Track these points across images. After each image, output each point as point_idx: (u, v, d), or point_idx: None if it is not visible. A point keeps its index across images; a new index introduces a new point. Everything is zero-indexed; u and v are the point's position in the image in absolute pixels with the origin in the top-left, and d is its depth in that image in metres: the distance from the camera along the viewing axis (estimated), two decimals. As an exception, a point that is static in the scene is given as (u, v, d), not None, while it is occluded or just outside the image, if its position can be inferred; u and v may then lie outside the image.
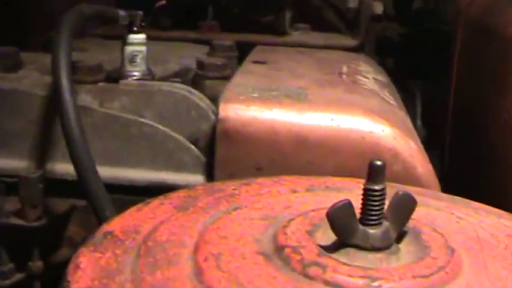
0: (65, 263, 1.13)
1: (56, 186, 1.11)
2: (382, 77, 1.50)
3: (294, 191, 0.87)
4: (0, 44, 1.35)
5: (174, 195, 0.86)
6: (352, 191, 0.85)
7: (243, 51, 1.52)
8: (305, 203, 0.82)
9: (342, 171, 1.03)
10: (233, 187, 0.88)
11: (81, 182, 0.93)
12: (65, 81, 0.97)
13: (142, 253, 0.68)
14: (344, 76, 1.33)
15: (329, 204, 0.69)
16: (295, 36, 1.82)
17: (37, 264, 1.09)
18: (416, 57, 2.61)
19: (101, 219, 0.92)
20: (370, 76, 1.40)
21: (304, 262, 0.64)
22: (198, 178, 1.10)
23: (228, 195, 0.84)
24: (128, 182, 1.11)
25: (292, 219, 0.73)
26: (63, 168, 1.13)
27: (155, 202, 0.84)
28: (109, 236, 0.74)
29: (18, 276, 1.10)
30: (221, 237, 0.70)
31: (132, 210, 0.82)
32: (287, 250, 0.66)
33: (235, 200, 0.83)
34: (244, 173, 1.04)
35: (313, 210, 0.76)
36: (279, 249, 0.67)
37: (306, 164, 1.04)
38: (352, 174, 0.98)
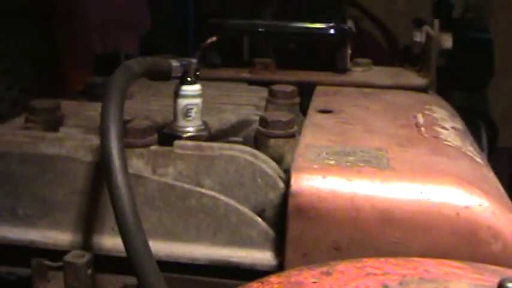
0: None
1: (104, 262, 1.01)
2: (458, 123, 1.38)
3: (385, 286, 0.75)
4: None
5: (245, 293, 0.75)
6: (450, 283, 0.74)
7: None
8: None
9: (432, 251, 0.92)
10: (313, 279, 0.77)
11: (132, 262, 0.82)
12: (115, 152, 0.86)
13: None
14: (423, 129, 1.21)
15: None
16: (357, 73, 1.70)
17: None
18: (458, 67, 2.51)
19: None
20: (448, 126, 1.28)
21: None
22: (266, 255, 1.00)
23: (311, 295, 0.73)
24: (186, 260, 1.01)
25: None
26: (112, 243, 1.03)
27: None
28: None
29: None
30: None
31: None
32: None
33: (320, 302, 0.72)
34: (320, 253, 0.94)
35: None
36: None
37: (391, 243, 0.93)
38: (443, 254, 0.89)
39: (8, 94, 1.90)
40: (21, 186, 1.07)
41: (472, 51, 3.40)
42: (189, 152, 1.05)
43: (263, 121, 1.14)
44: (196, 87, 1.16)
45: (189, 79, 1.15)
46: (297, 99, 1.38)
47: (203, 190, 1.00)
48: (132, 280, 1.03)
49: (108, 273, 1.05)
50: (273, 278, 0.80)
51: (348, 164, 1.00)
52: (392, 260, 0.83)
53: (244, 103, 1.39)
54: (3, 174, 1.07)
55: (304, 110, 1.36)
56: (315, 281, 0.77)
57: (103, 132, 0.87)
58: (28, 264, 1.06)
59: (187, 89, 1.15)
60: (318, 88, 1.57)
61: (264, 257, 1.00)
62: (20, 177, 1.06)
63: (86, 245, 1.03)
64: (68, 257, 0.94)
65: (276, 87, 1.38)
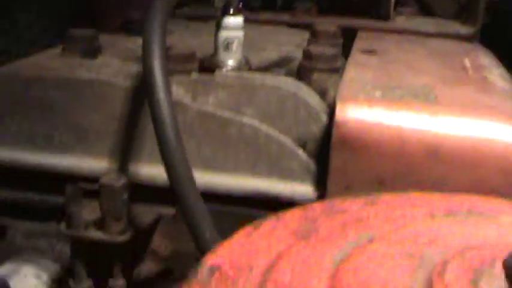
0: (148, 280, 1.04)
1: (140, 191, 0.99)
2: (504, 71, 1.35)
3: (432, 216, 0.73)
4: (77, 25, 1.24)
5: (288, 216, 0.73)
6: (499, 218, 0.72)
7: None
8: (451, 234, 0.68)
9: (479, 187, 0.90)
10: (356, 207, 0.75)
11: (176, 194, 0.80)
12: (158, 72, 0.84)
13: (262, 300, 0.55)
14: (470, 72, 1.18)
15: (481, 237, 0.63)
16: (401, 21, 1.66)
17: (119, 282, 0.97)
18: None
19: (200, 243, 0.79)
20: (495, 71, 1.25)
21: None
22: (307, 188, 0.98)
23: (354, 220, 0.71)
24: (223, 191, 0.99)
25: (447, 262, 0.59)
26: (149, 172, 1.02)
27: (267, 225, 0.71)
28: (217, 273, 0.61)
29: (98, 296, 0.99)
30: (360, 284, 0.57)
31: (240, 236, 0.69)
32: (451, 307, 0.52)
33: (365, 227, 0.70)
34: (363, 186, 0.92)
35: (469, 249, 0.62)
36: (441, 305, 0.53)
37: (436, 178, 0.91)
38: (491, 191, 0.87)
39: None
40: (57, 112, 1.05)
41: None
42: (231, 81, 1.02)
43: (307, 55, 1.11)
44: (238, 19, 1.13)
45: (231, 10, 1.12)
46: (340, 40, 1.34)
47: (244, 119, 0.98)
48: (167, 211, 1.02)
49: (143, 203, 1.03)
50: (316, 205, 0.78)
51: (395, 97, 0.97)
52: (438, 194, 0.81)
53: (286, 43, 1.36)
54: (39, 100, 1.05)
55: (346, 55, 1.33)
56: (359, 209, 0.75)
57: (145, 49, 0.85)
58: (62, 193, 1.04)
59: (229, 20, 1.13)
60: (360, 33, 1.53)
61: (304, 190, 0.98)
62: (56, 103, 1.05)
63: (122, 172, 1.02)
64: (104, 179, 0.92)
65: (318, 27, 1.35)
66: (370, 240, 0.66)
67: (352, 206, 0.76)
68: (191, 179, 0.81)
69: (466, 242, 0.65)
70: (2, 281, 0.79)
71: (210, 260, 0.64)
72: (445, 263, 0.59)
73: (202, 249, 0.79)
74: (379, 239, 0.67)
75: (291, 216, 0.74)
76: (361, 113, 0.93)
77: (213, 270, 0.62)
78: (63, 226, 0.95)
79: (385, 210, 0.75)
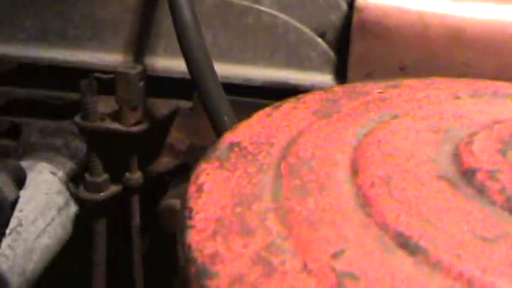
0: (165, 174, 1.03)
1: (156, 84, 0.98)
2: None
3: (457, 97, 0.71)
4: None
5: (308, 98, 0.72)
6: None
7: None
8: (478, 112, 0.67)
9: (504, 74, 0.88)
10: (379, 89, 0.74)
11: (195, 80, 0.78)
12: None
13: (283, 172, 0.54)
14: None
15: (507, 114, 0.62)
16: None
17: (135, 176, 0.97)
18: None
19: (218, 126, 0.78)
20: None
21: (507, 193, 0.49)
22: (326, 78, 0.96)
23: (377, 100, 0.70)
24: (241, 81, 0.97)
25: (474, 134, 0.58)
26: (165, 64, 1.00)
27: (287, 105, 0.70)
28: (236, 149, 0.60)
29: (114, 188, 0.98)
30: (385, 155, 0.56)
31: (260, 115, 0.68)
32: (480, 176, 0.51)
33: (388, 106, 0.68)
34: (384, 73, 0.90)
35: (496, 122, 0.61)
36: (468, 173, 0.52)
37: (460, 64, 0.89)
38: None
39: None
40: (71, 5, 1.03)
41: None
42: (248, -31, 1.00)
43: None
44: None
45: None
46: None
47: (262, 7, 0.96)
48: (185, 104, 1.01)
49: (158, 97, 1.02)
50: (337, 88, 0.77)
51: (417, -19, 0.95)
52: (462, 79, 0.79)
53: None
54: (52, -7, 1.03)
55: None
56: (381, 91, 0.74)
57: None
58: (77, 89, 1.03)
59: None
60: None
61: (323, 79, 0.96)
62: (70, -4, 1.03)
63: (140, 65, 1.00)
64: (120, 68, 0.91)
65: None
66: (393, 117, 0.65)
67: (374, 88, 0.75)
68: (209, 63, 0.80)
69: (493, 118, 0.63)
70: (17, 165, 0.78)
71: (229, 137, 0.63)
72: (472, 135, 0.58)
73: (220, 132, 0.77)
74: (403, 115, 0.65)
75: (311, 98, 0.72)
76: (381, -3, 0.90)
77: (232, 146, 0.61)
78: (78, 118, 0.94)
79: (408, 92, 0.73)
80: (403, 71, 0.89)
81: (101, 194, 0.97)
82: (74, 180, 1.04)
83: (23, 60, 1.06)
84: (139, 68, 0.90)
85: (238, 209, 0.50)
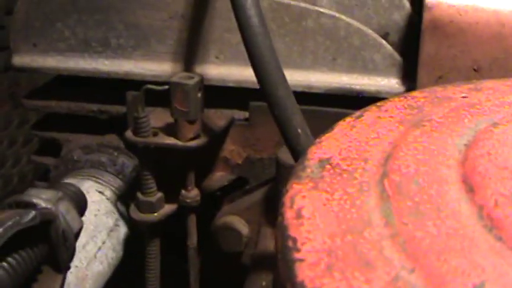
0: (219, 190, 0.98)
1: (208, 94, 0.93)
2: None
3: (552, 98, 0.66)
4: None
5: (389, 105, 0.67)
6: None
7: None
8: None
9: None
10: (462, 94, 0.69)
11: (265, 89, 0.73)
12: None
13: (390, 192, 0.49)
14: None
15: None
16: None
17: (192, 193, 0.92)
18: None
19: (292, 139, 0.73)
20: None
21: None
22: (392, 82, 0.92)
23: (465, 106, 0.65)
24: (302, 88, 0.93)
25: None
26: (219, 71, 0.95)
27: (369, 115, 0.65)
28: (328, 166, 0.55)
29: (169, 208, 0.93)
30: (500, 168, 0.51)
31: (343, 127, 0.63)
32: None
33: (481, 112, 0.63)
34: (457, 75, 0.85)
35: None
36: None
37: (539, 64, 0.84)
38: None
39: None
40: (113, 12, 0.99)
41: None
42: (303, -31, 0.95)
43: None
44: None
45: None
46: None
47: (321, 9, 0.91)
48: (240, 114, 0.96)
49: (213, 107, 0.97)
50: (417, 93, 0.72)
51: (489, -24, 0.90)
52: (545, 80, 0.74)
53: None
54: (93, 1, 0.99)
55: None
56: (464, 95, 0.69)
57: None
58: (122, 101, 0.99)
59: None
60: None
61: (389, 83, 0.92)
62: (112, 3, 0.99)
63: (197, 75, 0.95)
64: (175, 78, 0.86)
65: None
66: (494, 125, 0.60)
67: (456, 92, 0.70)
68: (280, 70, 0.75)
69: None
70: (77, 189, 0.74)
71: (317, 153, 0.58)
72: None
73: (294, 147, 0.72)
74: (502, 122, 0.60)
75: (392, 106, 0.68)
76: (454, -6, 0.86)
77: (322, 162, 0.56)
78: (129, 133, 0.89)
79: (494, 95, 0.69)
80: (478, 72, 0.84)
81: (155, 214, 0.92)
82: (122, 198, 1.00)
83: (63, 72, 1.02)
84: (196, 77, 0.86)
85: (349, 238, 0.45)
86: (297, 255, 0.44)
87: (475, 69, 0.84)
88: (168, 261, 0.98)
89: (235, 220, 0.92)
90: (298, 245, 0.45)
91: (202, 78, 0.86)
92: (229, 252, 0.92)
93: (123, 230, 0.97)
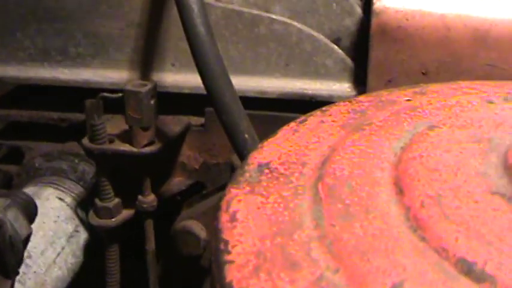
0: (177, 195, 0.98)
1: (165, 100, 0.93)
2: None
3: (490, 102, 0.68)
4: None
5: (334, 110, 0.68)
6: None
7: None
8: (517, 117, 0.62)
9: (533, 74, 0.84)
10: (406, 97, 0.70)
11: (212, 96, 0.74)
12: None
13: (322, 195, 0.50)
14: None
15: None
16: None
17: (149, 199, 0.92)
18: None
19: (239, 144, 0.74)
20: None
21: None
22: (344, 86, 0.92)
23: (407, 109, 0.66)
24: (255, 94, 0.94)
25: (521, 143, 0.54)
26: (174, 79, 0.96)
27: (313, 120, 0.66)
28: (266, 170, 0.56)
29: (126, 213, 0.94)
30: (430, 171, 0.52)
31: (286, 132, 0.64)
32: (538, 189, 0.47)
33: (421, 115, 0.64)
34: (406, 79, 0.86)
35: (541, 129, 0.57)
36: (524, 187, 0.48)
37: (485, 66, 0.85)
38: None
39: None
40: (72, 22, 0.99)
41: None
42: (256, -23, 0.96)
43: None
44: None
45: None
46: None
47: (273, 16, 0.92)
48: (195, 120, 0.97)
49: (169, 113, 0.97)
50: (361, 98, 0.73)
51: (435, -19, 0.91)
52: (489, 82, 0.75)
53: None
54: (53, 10, 0.99)
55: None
56: (408, 99, 0.70)
57: None
58: (81, 109, 0.99)
59: None
60: None
61: (341, 88, 0.93)
62: (71, 13, 0.99)
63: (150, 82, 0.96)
64: (129, 86, 0.86)
65: None
66: (430, 127, 0.61)
67: (401, 96, 0.71)
68: (226, 77, 0.76)
69: (535, 124, 0.59)
70: (27, 197, 0.74)
71: (257, 158, 0.59)
72: (520, 145, 0.54)
73: (240, 151, 0.73)
74: (439, 125, 0.61)
75: (337, 110, 0.68)
76: (400, 0, 0.86)
77: (261, 167, 0.57)
78: (86, 141, 0.90)
79: (437, 98, 0.70)
80: (426, 75, 0.85)
81: (113, 219, 0.92)
82: (83, 205, 1.00)
83: (23, 82, 1.02)
84: (149, 85, 0.86)
85: (278, 240, 0.45)
86: (227, 257, 0.45)
87: (423, 73, 0.85)
88: (128, 265, 0.98)
89: (194, 224, 0.92)
90: (229, 247, 0.45)
91: (155, 86, 0.87)
92: (188, 255, 0.93)
93: (83, 235, 0.97)
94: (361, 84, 0.91)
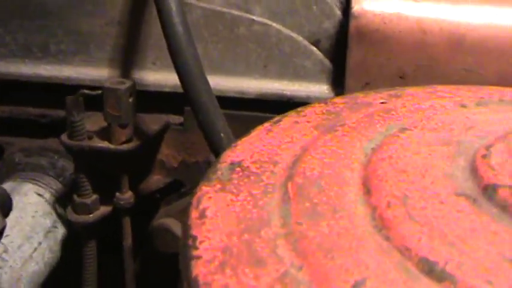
0: (156, 192, 0.99)
1: (145, 99, 0.94)
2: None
3: (463, 106, 0.68)
4: None
5: (309, 111, 0.69)
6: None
7: None
8: (488, 121, 0.64)
9: (507, 79, 0.85)
10: (381, 100, 0.71)
11: (189, 95, 0.75)
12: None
13: (291, 194, 0.51)
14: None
15: None
16: None
17: (126, 196, 0.93)
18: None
19: (214, 144, 0.74)
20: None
21: (534, 209, 0.46)
22: (323, 88, 0.93)
23: (381, 111, 0.67)
24: (234, 94, 0.94)
25: (488, 146, 0.55)
26: (155, 77, 0.97)
27: (287, 120, 0.66)
28: (238, 169, 0.56)
29: (104, 209, 0.94)
30: (398, 172, 0.53)
31: (260, 132, 0.64)
32: (502, 192, 0.48)
33: (394, 117, 0.65)
34: (383, 82, 0.87)
35: (509, 132, 0.58)
36: (488, 189, 0.49)
37: (461, 70, 0.86)
38: None
39: None
40: (54, 19, 1.00)
41: None
42: (237, -22, 0.97)
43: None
44: None
45: None
46: None
47: (253, 17, 0.93)
48: (175, 119, 0.97)
49: (149, 112, 0.98)
50: (337, 99, 0.74)
51: (413, -14, 0.92)
52: (464, 86, 0.76)
53: None
54: (34, 7, 0.99)
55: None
56: (383, 101, 0.71)
57: None
58: (62, 105, 0.99)
59: None
60: None
61: (320, 89, 0.93)
62: (53, 10, 0.99)
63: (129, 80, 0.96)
64: (108, 83, 0.87)
65: None
66: (402, 130, 0.62)
67: (376, 99, 0.72)
68: (203, 76, 0.76)
69: (504, 128, 0.60)
70: (2, 190, 0.75)
71: (230, 156, 0.59)
72: (488, 147, 0.55)
73: (216, 150, 0.74)
74: (411, 128, 0.62)
75: (312, 111, 0.69)
76: (378, 3, 0.87)
77: (233, 166, 0.57)
78: (64, 137, 0.90)
79: (412, 101, 0.70)
80: (403, 78, 0.86)
81: (90, 215, 0.93)
82: (61, 200, 1.00)
83: (4, 77, 1.02)
84: (128, 83, 0.87)
85: (245, 236, 0.46)
86: (194, 253, 0.45)
87: (400, 76, 0.86)
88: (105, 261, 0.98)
89: (171, 222, 0.92)
90: (197, 243, 0.46)
91: (134, 84, 0.87)
92: (165, 252, 0.93)
93: (61, 231, 0.97)
94: (339, 86, 0.91)
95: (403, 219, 0.46)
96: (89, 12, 0.97)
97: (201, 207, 0.50)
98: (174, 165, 1.00)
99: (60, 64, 1.00)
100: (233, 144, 0.62)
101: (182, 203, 0.94)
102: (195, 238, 0.47)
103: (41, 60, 1.01)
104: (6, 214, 0.73)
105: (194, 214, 0.50)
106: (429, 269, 0.41)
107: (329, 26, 0.94)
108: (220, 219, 0.48)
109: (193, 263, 0.44)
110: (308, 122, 0.65)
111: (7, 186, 0.97)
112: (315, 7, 0.94)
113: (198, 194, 0.53)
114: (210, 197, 0.52)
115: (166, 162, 1.00)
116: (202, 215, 0.49)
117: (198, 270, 0.43)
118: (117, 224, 0.96)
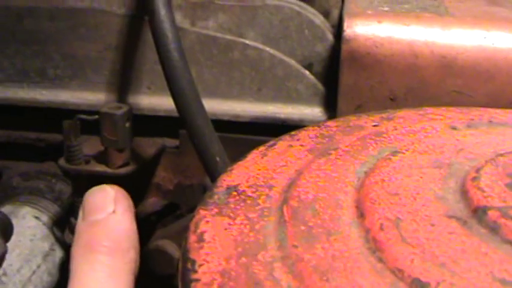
0: (152, 214, 1.00)
1: (140, 123, 0.95)
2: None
3: (454, 128, 0.70)
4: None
5: (303, 135, 0.70)
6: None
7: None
8: (477, 143, 0.65)
9: (496, 101, 0.87)
10: (373, 123, 0.72)
11: (185, 119, 0.76)
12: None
13: (287, 217, 0.52)
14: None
15: (508, 145, 0.60)
16: None
17: (123, 218, 0.93)
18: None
19: (210, 168, 0.76)
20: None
21: (523, 232, 0.47)
22: (315, 111, 0.94)
23: (373, 134, 0.68)
24: (229, 117, 0.95)
25: (478, 168, 0.56)
26: (150, 101, 0.98)
27: (281, 144, 0.68)
28: (234, 193, 0.58)
29: (101, 232, 0.95)
30: (390, 195, 0.54)
31: (255, 156, 0.66)
32: (492, 214, 0.49)
33: (386, 141, 0.67)
34: (375, 104, 0.88)
35: (499, 155, 0.59)
36: (478, 211, 0.50)
37: (451, 93, 0.87)
38: (509, 104, 0.84)
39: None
40: (51, 44, 1.01)
41: None
42: (231, 3, 0.98)
43: (307, -25, 1.07)
44: None
45: None
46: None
47: (247, 41, 0.94)
48: (171, 142, 0.99)
49: (145, 135, 0.99)
50: (330, 123, 0.75)
51: (404, 10, 0.93)
52: (454, 108, 0.78)
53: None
54: (31, 32, 1.01)
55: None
56: (375, 124, 0.72)
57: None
58: (59, 130, 1.01)
59: None
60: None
61: (312, 112, 0.95)
62: (49, 35, 1.00)
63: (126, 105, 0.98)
64: (104, 108, 0.88)
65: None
66: (394, 153, 0.63)
67: (368, 121, 0.73)
68: (199, 101, 0.78)
69: (494, 150, 0.62)
70: (3, 215, 0.76)
71: (226, 180, 0.61)
72: (478, 170, 0.56)
73: (212, 174, 0.75)
74: (402, 151, 0.64)
75: (305, 135, 0.70)
76: (370, 27, 0.89)
77: (229, 190, 0.58)
78: (62, 161, 0.91)
79: (403, 124, 0.72)
80: (394, 101, 0.87)
81: (87, 238, 0.93)
82: (59, 223, 1.01)
83: (2, 102, 1.03)
84: (124, 108, 0.88)
85: (243, 260, 0.47)
86: (193, 276, 0.46)
87: (391, 99, 0.87)
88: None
89: (167, 244, 0.93)
90: (196, 266, 0.47)
91: (130, 109, 0.88)
92: (162, 274, 0.94)
93: (59, 254, 0.98)
94: (332, 108, 0.92)
95: (396, 241, 0.47)
96: (85, 37, 0.99)
97: (198, 231, 0.52)
98: (170, 188, 1.01)
99: (57, 89, 1.02)
100: (229, 168, 0.63)
101: (178, 225, 0.94)
102: (193, 262, 0.48)
103: (38, 85, 1.02)
104: (7, 239, 0.74)
105: (192, 238, 0.51)
106: (421, 290, 0.43)
107: (321, 49, 0.95)
108: (218, 243, 0.50)
109: (192, 285, 0.45)
110: (302, 145, 0.67)
111: (5, 209, 0.98)
112: (307, 31, 0.95)
113: (196, 218, 0.54)
114: (207, 221, 0.53)
115: (162, 184, 1.01)
116: (200, 239, 0.50)
117: (198, 293, 0.45)
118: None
